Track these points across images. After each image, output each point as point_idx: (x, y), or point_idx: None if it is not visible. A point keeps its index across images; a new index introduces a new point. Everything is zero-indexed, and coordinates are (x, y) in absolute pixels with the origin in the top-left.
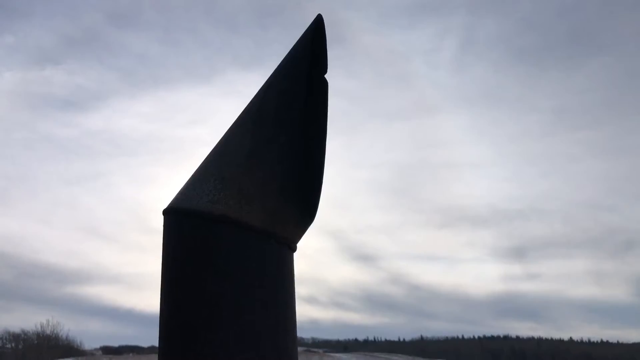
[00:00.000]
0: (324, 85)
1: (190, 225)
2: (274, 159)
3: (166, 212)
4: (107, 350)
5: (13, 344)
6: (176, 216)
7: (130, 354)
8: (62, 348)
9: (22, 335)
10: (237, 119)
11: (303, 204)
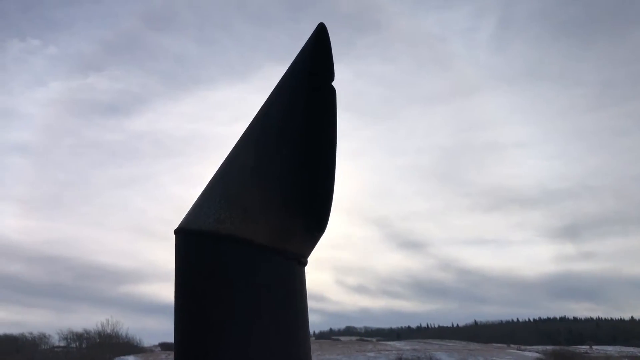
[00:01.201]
0: (331, 94)
1: (198, 245)
2: (277, 174)
3: (176, 232)
4: (165, 346)
5: (77, 343)
6: (185, 236)
7: None
8: (122, 346)
9: (85, 335)
10: (241, 136)
11: (310, 218)
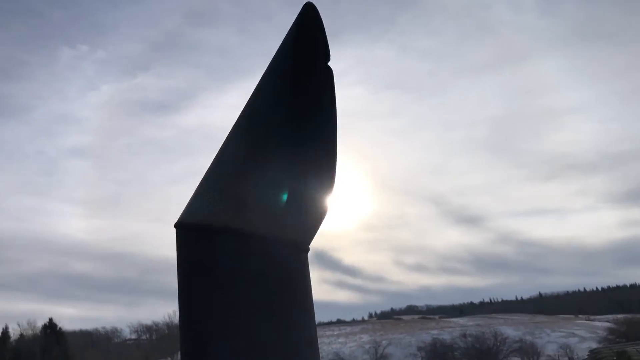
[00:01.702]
0: (328, 74)
1: (195, 239)
2: (268, 162)
3: (175, 226)
4: None
5: (147, 335)
6: (183, 230)
7: None
8: None
9: (154, 327)
10: (233, 126)
11: (308, 204)
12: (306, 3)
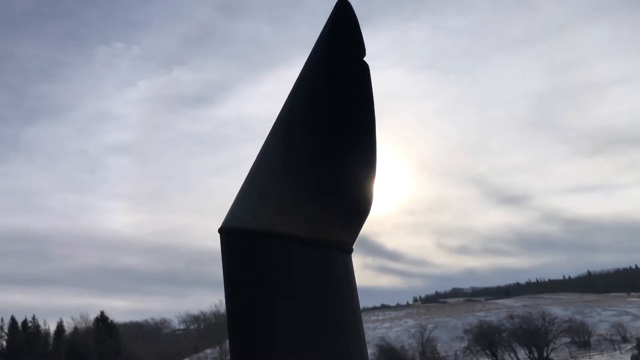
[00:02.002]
0: (364, 70)
1: (239, 243)
2: (307, 164)
3: (219, 231)
4: None
5: (195, 325)
6: (227, 235)
7: None
8: None
9: (202, 316)
10: (271, 128)
11: (348, 204)
12: (339, 0)
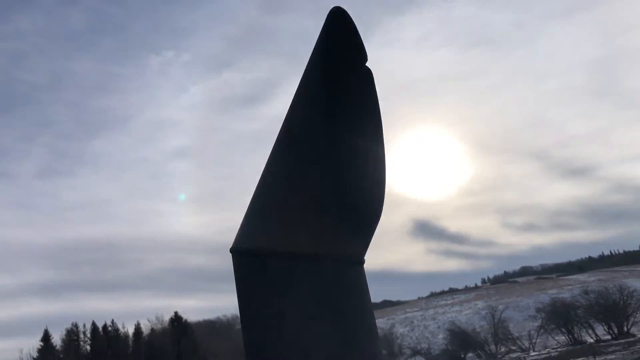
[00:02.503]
0: (367, 76)
1: (248, 263)
2: (307, 182)
3: (230, 251)
4: None
5: None
6: (236, 255)
7: None
8: None
9: None
10: (273, 146)
11: (353, 218)
12: (332, 9)
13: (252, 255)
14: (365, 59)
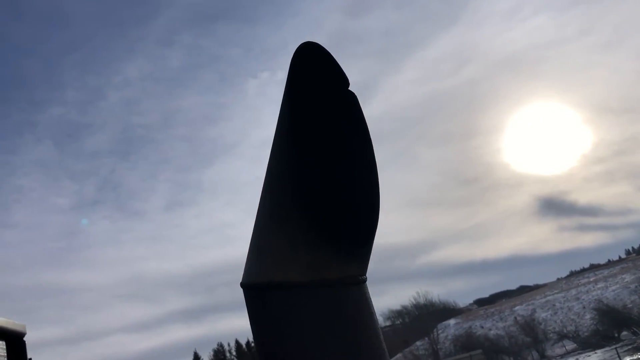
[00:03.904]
0: (351, 99)
1: (251, 297)
2: (291, 214)
3: (241, 286)
4: (480, 302)
5: (400, 320)
6: (244, 290)
7: (503, 300)
8: (440, 312)
9: (404, 310)
10: (263, 181)
11: (344, 241)
12: (301, 46)
13: (253, 289)
14: (348, 83)
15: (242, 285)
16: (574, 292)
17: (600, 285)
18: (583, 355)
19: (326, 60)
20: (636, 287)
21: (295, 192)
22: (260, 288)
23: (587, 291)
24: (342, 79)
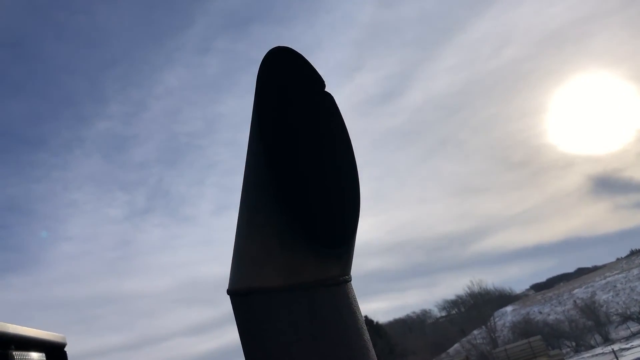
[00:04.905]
0: (328, 100)
1: (235, 303)
2: (266, 219)
3: (227, 293)
4: (537, 287)
5: (456, 309)
6: (230, 297)
7: (561, 283)
8: (495, 299)
9: (459, 300)
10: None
11: (320, 243)
12: (269, 51)
13: (237, 295)
14: (324, 85)
15: (227, 292)
16: (635, 271)
17: None
18: None
19: (300, 63)
20: None
21: (268, 196)
22: (242, 294)
23: None
24: (317, 81)
